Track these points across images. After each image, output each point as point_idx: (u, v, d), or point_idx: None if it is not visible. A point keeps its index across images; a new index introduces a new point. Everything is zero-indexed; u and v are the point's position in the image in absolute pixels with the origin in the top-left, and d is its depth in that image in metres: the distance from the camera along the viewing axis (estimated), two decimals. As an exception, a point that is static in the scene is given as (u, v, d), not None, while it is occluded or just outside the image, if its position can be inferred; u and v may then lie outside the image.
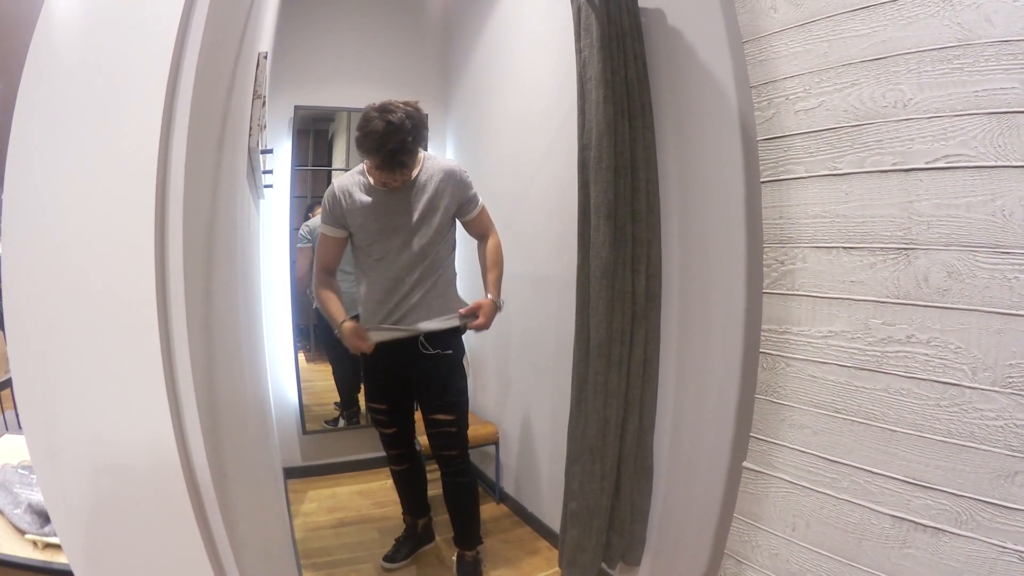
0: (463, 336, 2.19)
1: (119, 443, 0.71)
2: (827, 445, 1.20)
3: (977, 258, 0.99)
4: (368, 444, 3.38)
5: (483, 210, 2.17)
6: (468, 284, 2.63)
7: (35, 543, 1.29)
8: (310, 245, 3.17)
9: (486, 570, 2.41)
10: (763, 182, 1.31)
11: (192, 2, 0.77)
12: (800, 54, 1.21)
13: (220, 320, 1.10)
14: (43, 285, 0.70)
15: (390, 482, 2.60)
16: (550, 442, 2.60)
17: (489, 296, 2.14)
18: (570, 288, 2.02)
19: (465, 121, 3.46)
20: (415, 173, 2.02)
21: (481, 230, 2.20)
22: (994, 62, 0.96)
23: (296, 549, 2.53)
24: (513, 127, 2.90)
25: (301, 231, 3.21)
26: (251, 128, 1.66)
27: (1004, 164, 0.96)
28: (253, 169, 1.91)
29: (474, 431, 2.45)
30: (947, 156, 1.02)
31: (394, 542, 2.52)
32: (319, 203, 3.22)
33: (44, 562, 1.25)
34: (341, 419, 3.48)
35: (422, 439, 2.48)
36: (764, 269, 1.31)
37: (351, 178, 2.07)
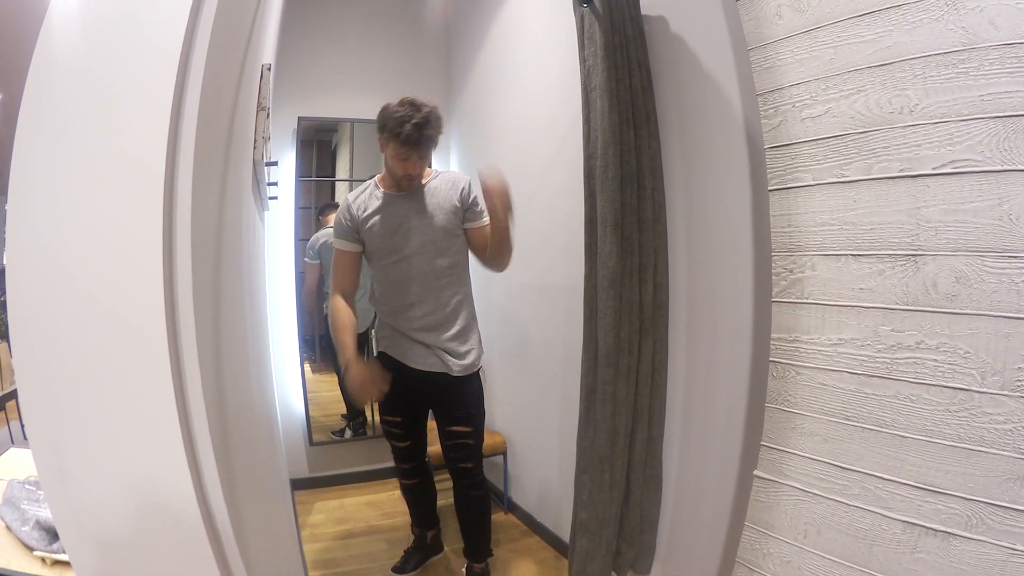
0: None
1: (129, 461, 0.70)
2: (838, 452, 1.20)
3: (985, 263, 0.99)
4: (375, 455, 3.38)
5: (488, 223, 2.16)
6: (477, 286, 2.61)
7: (44, 560, 1.28)
8: (318, 261, 3.17)
9: (495, 581, 2.40)
10: (771, 190, 1.31)
11: (196, 15, 0.77)
12: (806, 61, 1.21)
13: (228, 333, 1.10)
14: (49, 298, 0.69)
15: (398, 493, 2.58)
16: (559, 452, 2.59)
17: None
18: (577, 298, 2.00)
19: (469, 132, 3.46)
20: (426, 180, 2.04)
21: (485, 242, 2.19)
22: (999, 65, 0.96)
23: (304, 561, 2.52)
24: (517, 137, 2.90)
25: (310, 243, 3.22)
26: (255, 140, 1.67)
27: (1011, 168, 0.96)
28: (258, 181, 1.92)
29: (482, 441, 2.43)
30: (954, 161, 1.02)
31: (403, 553, 2.51)
32: (330, 206, 3.24)
33: (53, 579, 1.25)
34: (348, 430, 3.47)
35: (430, 450, 2.47)
36: (773, 278, 1.31)
37: (364, 191, 2.08)
